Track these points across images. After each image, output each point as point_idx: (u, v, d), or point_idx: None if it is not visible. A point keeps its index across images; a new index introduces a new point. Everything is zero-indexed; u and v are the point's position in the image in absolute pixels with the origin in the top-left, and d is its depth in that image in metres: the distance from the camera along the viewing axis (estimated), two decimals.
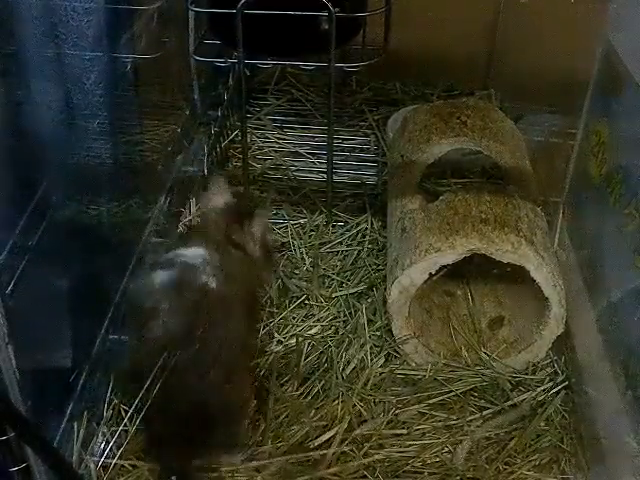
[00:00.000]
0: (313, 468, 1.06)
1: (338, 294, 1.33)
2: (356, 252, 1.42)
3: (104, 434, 1.10)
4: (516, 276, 1.16)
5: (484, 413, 1.14)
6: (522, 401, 1.15)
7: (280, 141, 1.71)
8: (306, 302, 1.32)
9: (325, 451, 1.07)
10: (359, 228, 1.47)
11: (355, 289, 1.34)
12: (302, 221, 1.49)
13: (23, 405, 0.85)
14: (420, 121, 1.39)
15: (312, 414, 1.12)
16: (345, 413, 1.12)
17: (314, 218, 1.50)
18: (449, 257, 1.12)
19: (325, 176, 1.46)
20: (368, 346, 1.23)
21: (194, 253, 1.05)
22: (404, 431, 1.11)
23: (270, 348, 1.23)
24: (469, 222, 1.13)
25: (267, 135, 1.72)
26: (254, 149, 1.67)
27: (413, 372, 1.20)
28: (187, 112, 1.57)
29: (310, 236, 1.46)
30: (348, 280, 1.36)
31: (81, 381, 1.08)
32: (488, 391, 1.17)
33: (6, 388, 0.82)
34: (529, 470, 1.07)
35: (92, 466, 1.06)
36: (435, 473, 1.06)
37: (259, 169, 1.62)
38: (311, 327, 1.27)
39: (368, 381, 1.18)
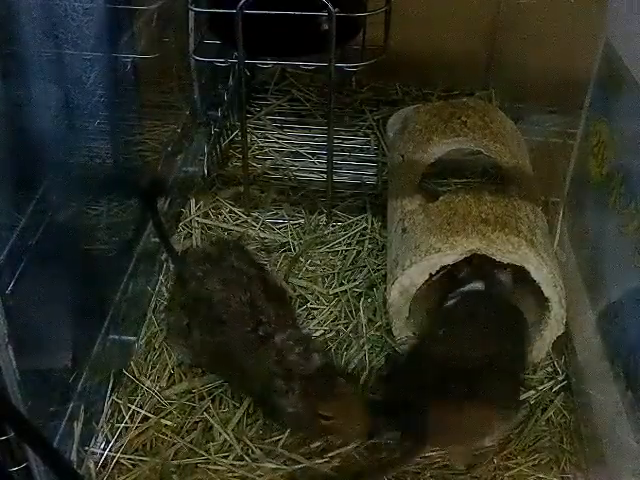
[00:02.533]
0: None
1: (337, 290, 1.33)
2: (356, 252, 1.42)
3: (104, 433, 1.11)
4: (516, 276, 1.16)
5: None
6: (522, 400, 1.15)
7: (280, 141, 1.70)
8: (307, 302, 1.32)
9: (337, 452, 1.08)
10: (359, 228, 1.47)
11: (355, 289, 1.34)
12: (302, 221, 1.49)
13: (23, 405, 0.85)
14: (420, 121, 1.39)
15: None
16: None
17: (314, 218, 1.50)
18: (449, 257, 1.12)
19: (325, 176, 1.46)
20: (368, 346, 1.23)
21: None
22: None
23: None
24: (469, 222, 1.13)
25: (267, 135, 1.72)
26: (254, 149, 1.67)
27: None
28: (187, 112, 1.57)
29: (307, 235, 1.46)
30: (348, 280, 1.36)
31: (81, 381, 1.08)
32: None
33: (6, 388, 0.82)
34: (529, 470, 1.07)
35: (92, 466, 1.06)
36: (435, 474, 1.06)
37: (259, 169, 1.62)
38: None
39: (368, 381, 1.18)
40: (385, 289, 1.25)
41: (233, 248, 1.17)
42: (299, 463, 1.07)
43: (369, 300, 1.32)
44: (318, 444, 1.09)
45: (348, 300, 1.32)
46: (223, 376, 1.16)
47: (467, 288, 1.12)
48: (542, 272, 1.11)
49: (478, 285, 1.12)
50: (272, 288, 1.13)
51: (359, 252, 1.42)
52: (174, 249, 1.25)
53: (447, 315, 1.12)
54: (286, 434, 1.10)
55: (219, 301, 1.09)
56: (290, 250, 1.43)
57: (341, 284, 1.35)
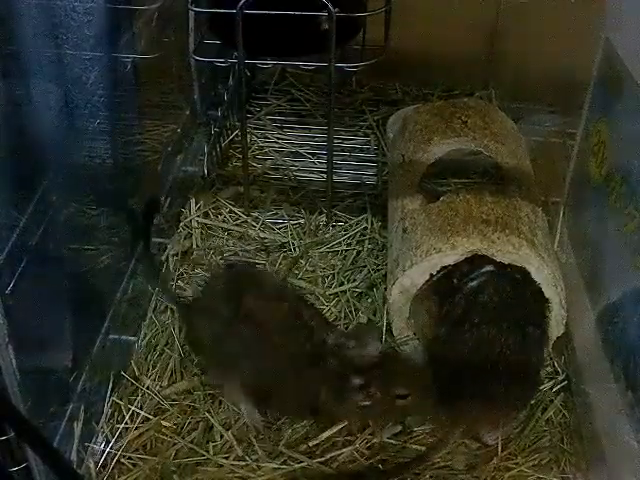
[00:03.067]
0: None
1: (337, 290, 1.33)
2: (356, 252, 1.42)
3: (104, 433, 1.11)
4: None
5: None
6: None
7: (280, 141, 1.70)
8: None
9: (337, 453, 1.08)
10: (359, 228, 1.47)
11: (355, 289, 1.34)
12: (302, 221, 1.49)
13: (23, 405, 0.85)
14: (421, 121, 1.39)
15: None
16: None
17: (314, 218, 1.50)
18: (450, 258, 1.12)
19: (325, 176, 1.46)
20: None
21: None
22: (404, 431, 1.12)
23: None
24: (470, 223, 1.13)
25: (267, 135, 1.72)
26: (254, 149, 1.67)
27: None
28: (187, 112, 1.57)
29: (309, 236, 1.46)
30: (348, 280, 1.36)
31: (81, 381, 1.08)
32: None
33: (6, 388, 0.82)
34: (529, 470, 1.07)
35: (92, 465, 1.06)
36: (435, 475, 1.06)
37: (259, 169, 1.62)
38: None
39: None
40: (385, 289, 1.25)
41: (238, 268, 1.15)
42: (300, 462, 1.07)
43: (369, 300, 1.32)
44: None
45: (348, 300, 1.32)
46: (276, 402, 1.10)
47: (486, 269, 1.11)
48: (543, 273, 1.11)
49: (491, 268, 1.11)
50: (292, 293, 1.13)
51: (359, 252, 1.42)
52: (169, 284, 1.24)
53: (476, 297, 1.10)
54: (288, 432, 1.10)
55: (259, 324, 1.05)
56: (290, 250, 1.43)
57: (341, 284, 1.35)
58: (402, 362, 1.08)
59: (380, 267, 1.37)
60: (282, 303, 1.07)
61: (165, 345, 1.23)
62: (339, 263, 1.40)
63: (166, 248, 1.40)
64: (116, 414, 1.13)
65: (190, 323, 1.15)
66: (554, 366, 1.21)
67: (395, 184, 1.36)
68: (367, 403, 1.02)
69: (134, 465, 1.07)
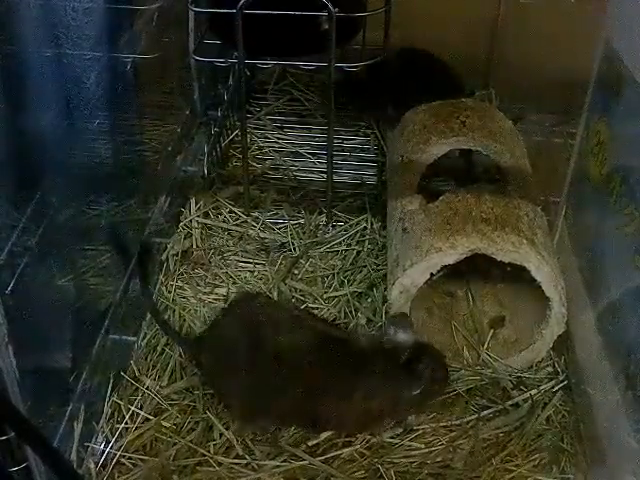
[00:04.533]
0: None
1: (338, 293, 1.33)
2: (356, 252, 1.42)
3: (104, 433, 1.11)
4: (516, 276, 1.16)
5: (485, 412, 1.14)
6: (523, 400, 1.15)
7: (280, 141, 1.71)
8: (306, 302, 1.32)
9: (337, 453, 1.08)
10: (359, 228, 1.47)
11: (355, 289, 1.34)
12: (302, 221, 1.49)
13: (23, 405, 0.85)
14: (419, 121, 1.39)
15: None
16: None
17: (314, 218, 1.50)
18: (450, 257, 1.12)
19: (325, 176, 1.46)
20: None
21: None
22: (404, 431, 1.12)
23: None
24: (470, 222, 1.13)
25: (267, 135, 1.72)
26: (254, 149, 1.67)
27: None
28: (187, 112, 1.57)
29: (309, 236, 1.46)
30: (348, 280, 1.36)
31: (81, 381, 1.08)
32: (489, 390, 1.17)
33: (6, 388, 0.82)
34: (529, 470, 1.07)
35: (92, 466, 1.06)
36: (435, 473, 1.06)
37: (259, 169, 1.62)
38: None
39: None
40: (385, 289, 1.25)
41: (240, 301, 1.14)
42: (301, 459, 1.07)
43: (369, 300, 1.32)
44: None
45: (348, 300, 1.32)
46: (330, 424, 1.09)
47: None
48: (543, 271, 1.11)
49: None
50: (304, 313, 1.15)
51: (359, 252, 1.42)
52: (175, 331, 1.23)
53: None
54: (291, 430, 1.11)
55: (291, 356, 1.05)
56: (290, 250, 1.43)
57: (341, 284, 1.35)
58: (432, 348, 1.10)
59: (380, 267, 1.37)
60: (302, 328, 1.07)
61: (165, 345, 1.23)
62: (339, 263, 1.40)
63: (166, 248, 1.41)
64: (116, 414, 1.13)
65: (208, 363, 1.11)
66: (554, 366, 1.21)
67: (394, 184, 1.36)
68: (418, 392, 1.05)
69: (134, 465, 1.07)
